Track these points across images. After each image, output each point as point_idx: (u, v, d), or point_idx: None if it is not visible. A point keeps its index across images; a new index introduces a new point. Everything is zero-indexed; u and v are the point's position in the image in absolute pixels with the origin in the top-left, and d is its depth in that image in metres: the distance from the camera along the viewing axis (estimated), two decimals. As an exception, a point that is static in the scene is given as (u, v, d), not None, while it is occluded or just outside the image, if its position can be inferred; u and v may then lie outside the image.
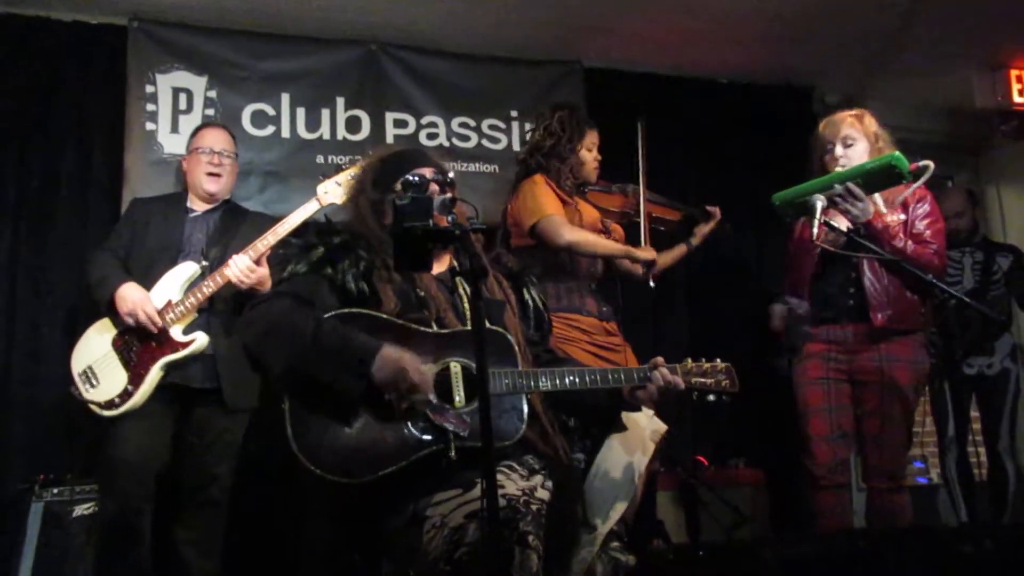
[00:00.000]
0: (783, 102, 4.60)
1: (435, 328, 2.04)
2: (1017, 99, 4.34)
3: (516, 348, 2.08)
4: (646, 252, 3.12)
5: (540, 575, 1.76)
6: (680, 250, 3.48)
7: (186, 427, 2.87)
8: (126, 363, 2.76)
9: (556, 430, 2.13)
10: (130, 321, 2.73)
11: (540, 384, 2.04)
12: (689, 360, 2.18)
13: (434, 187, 2.10)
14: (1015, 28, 4.03)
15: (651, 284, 3.17)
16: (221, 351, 2.83)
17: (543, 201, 3.02)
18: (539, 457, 2.03)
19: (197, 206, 3.04)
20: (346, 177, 2.91)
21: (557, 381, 2.06)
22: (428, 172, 2.15)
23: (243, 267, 2.77)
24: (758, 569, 2.34)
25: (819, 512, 2.89)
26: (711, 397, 2.18)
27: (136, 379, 2.73)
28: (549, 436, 2.10)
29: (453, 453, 1.89)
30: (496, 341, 2.05)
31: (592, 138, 3.24)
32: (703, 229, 3.48)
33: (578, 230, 3.01)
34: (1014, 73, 4.36)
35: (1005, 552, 2.30)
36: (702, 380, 2.16)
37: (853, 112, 2.98)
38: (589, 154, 3.23)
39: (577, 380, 2.07)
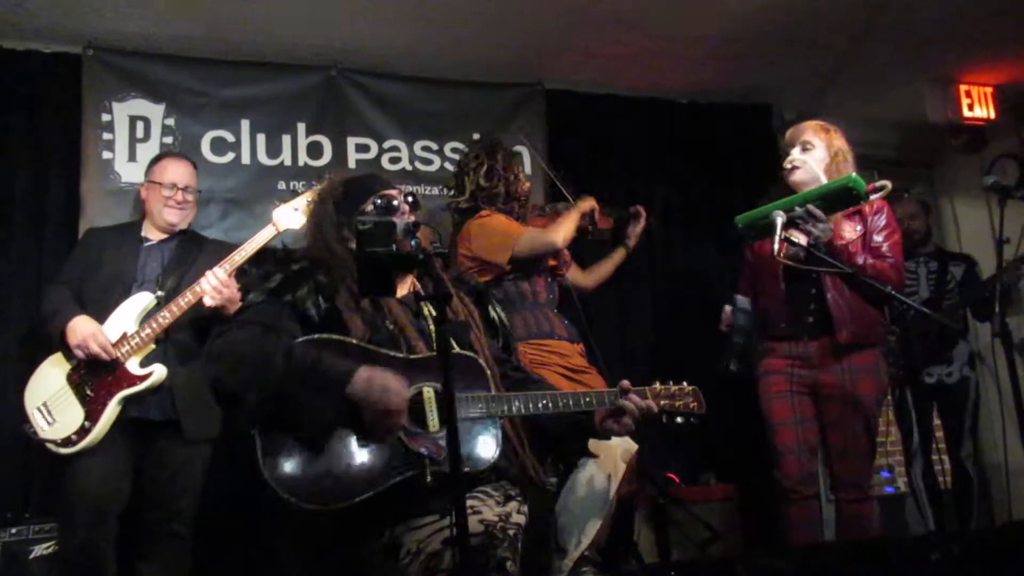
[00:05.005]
0: (742, 120, 4.67)
1: (405, 353, 2.02)
2: (967, 113, 4.44)
3: (487, 370, 2.07)
4: (585, 202, 3.23)
5: None
6: (620, 254, 3.57)
7: (146, 461, 2.80)
8: (82, 398, 2.69)
9: (527, 451, 2.12)
10: (80, 354, 2.67)
11: (513, 408, 2.03)
12: (658, 383, 2.19)
13: (405, 207, 2.13)
14: (963, 44, 4.14)
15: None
16: (179, 382, 2.77)
17: (507, 228, 3.03)
18: (513, 483, 2.02)
19: (153, 235, 2.99)
20: (303, 202, 2.88)
21: (531, 405, 2.05)
22: (395, 193, 2.16)
23: (219, 279, 2.69)
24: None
25: (789, 525, 2.90)
26: (679, 419, 2.18)
27: (93, 415, 2.66)
28: (520, 458, 2.09)
29: (429, 478, 1.86)
30: (467, 365, 2.05)
31: (522, 163, 3.34)
32: (635, 229, 3.56)
33: (551, 228, 3.05)
34: (963, 88, 4.47)
35: (972, 557, 2.32)
36: (670, 403, 2.18)
37: (821, 122, 3.01)
38: (527, 181, 3.30)
39: (550, 404, 2.07)
